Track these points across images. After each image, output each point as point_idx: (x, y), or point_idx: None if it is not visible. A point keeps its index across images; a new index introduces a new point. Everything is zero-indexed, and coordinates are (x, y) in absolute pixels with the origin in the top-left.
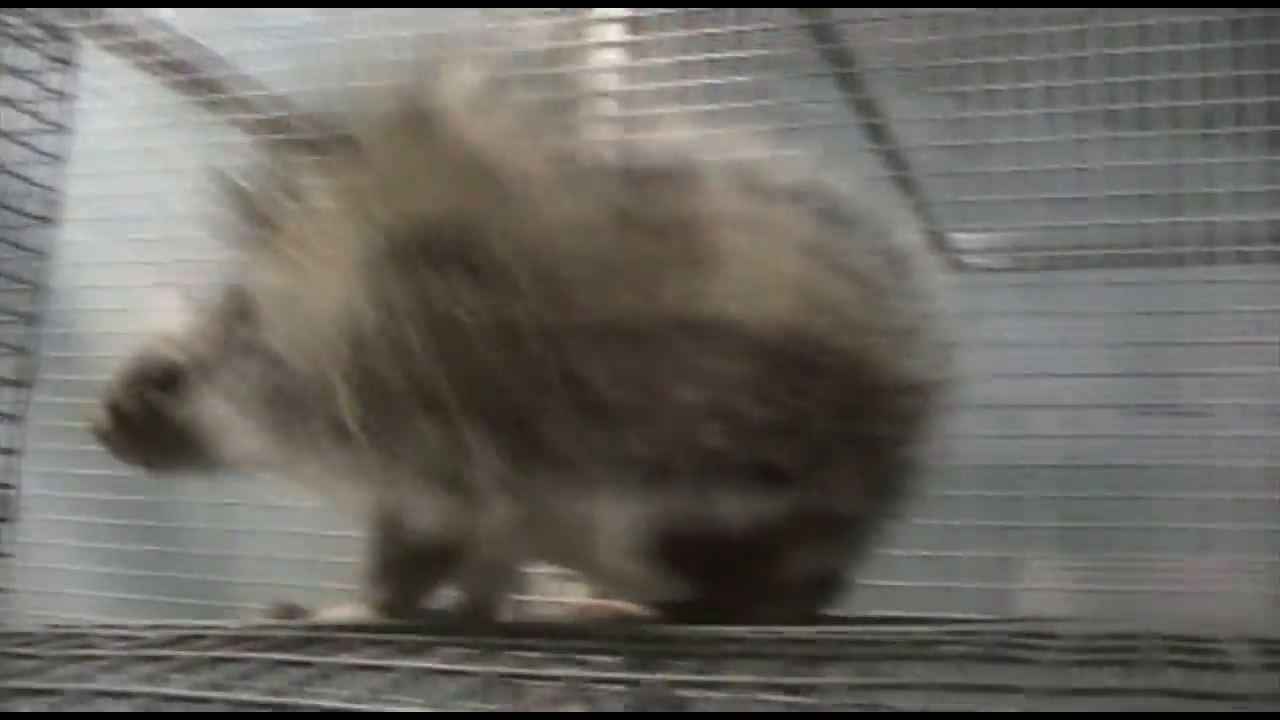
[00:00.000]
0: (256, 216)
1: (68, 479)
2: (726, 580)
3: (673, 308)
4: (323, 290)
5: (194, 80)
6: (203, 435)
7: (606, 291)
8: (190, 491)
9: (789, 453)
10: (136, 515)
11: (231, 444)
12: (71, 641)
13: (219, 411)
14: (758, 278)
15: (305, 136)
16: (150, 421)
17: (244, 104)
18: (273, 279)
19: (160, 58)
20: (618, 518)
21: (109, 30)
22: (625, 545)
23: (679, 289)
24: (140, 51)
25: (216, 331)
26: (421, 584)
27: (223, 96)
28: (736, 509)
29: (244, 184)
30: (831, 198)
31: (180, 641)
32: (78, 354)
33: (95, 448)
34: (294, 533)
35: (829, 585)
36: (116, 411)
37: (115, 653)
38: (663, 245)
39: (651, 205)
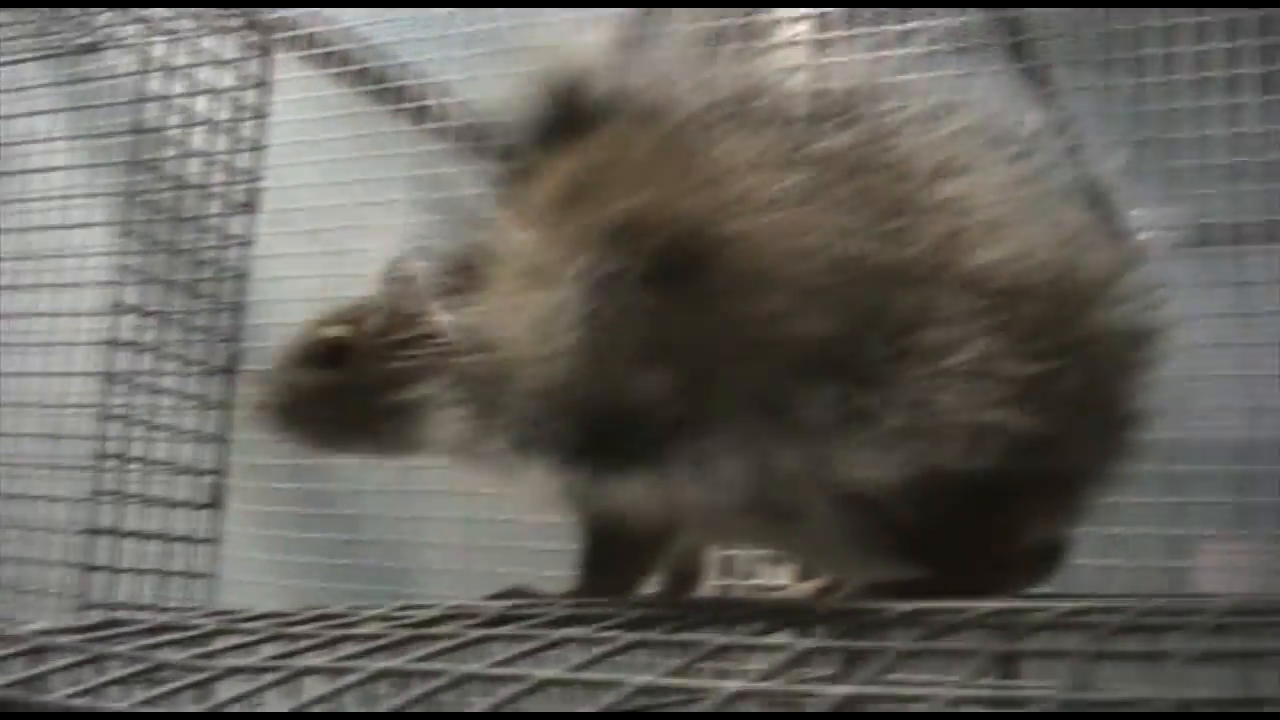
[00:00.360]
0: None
1: (258, 466)
2: (961, 555)
3: (918, 255)
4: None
5: (383, 87)
6: (370, 414)
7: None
8: (378, 479)
9: (1031, 406)
10: (326, 504)
11: (408, 425)
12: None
13: (389, 391)
14: (996, 227)
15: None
16: (311, 398)
17: (433, 110)
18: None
19: (350, 66)
20: (862, 485)
21: (297, 37)
22: (862, 519)
23: (927, 234)
24: (327, 58)
25: (396, 310)
26: (641, 568)
27: (411, 104)
28: (980, 472)
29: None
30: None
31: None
32: (266, 343)
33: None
34: (481, 520)
35: (1050, 558)
36: (278, 388)
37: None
38: (902, 189)
39: (876, 150)
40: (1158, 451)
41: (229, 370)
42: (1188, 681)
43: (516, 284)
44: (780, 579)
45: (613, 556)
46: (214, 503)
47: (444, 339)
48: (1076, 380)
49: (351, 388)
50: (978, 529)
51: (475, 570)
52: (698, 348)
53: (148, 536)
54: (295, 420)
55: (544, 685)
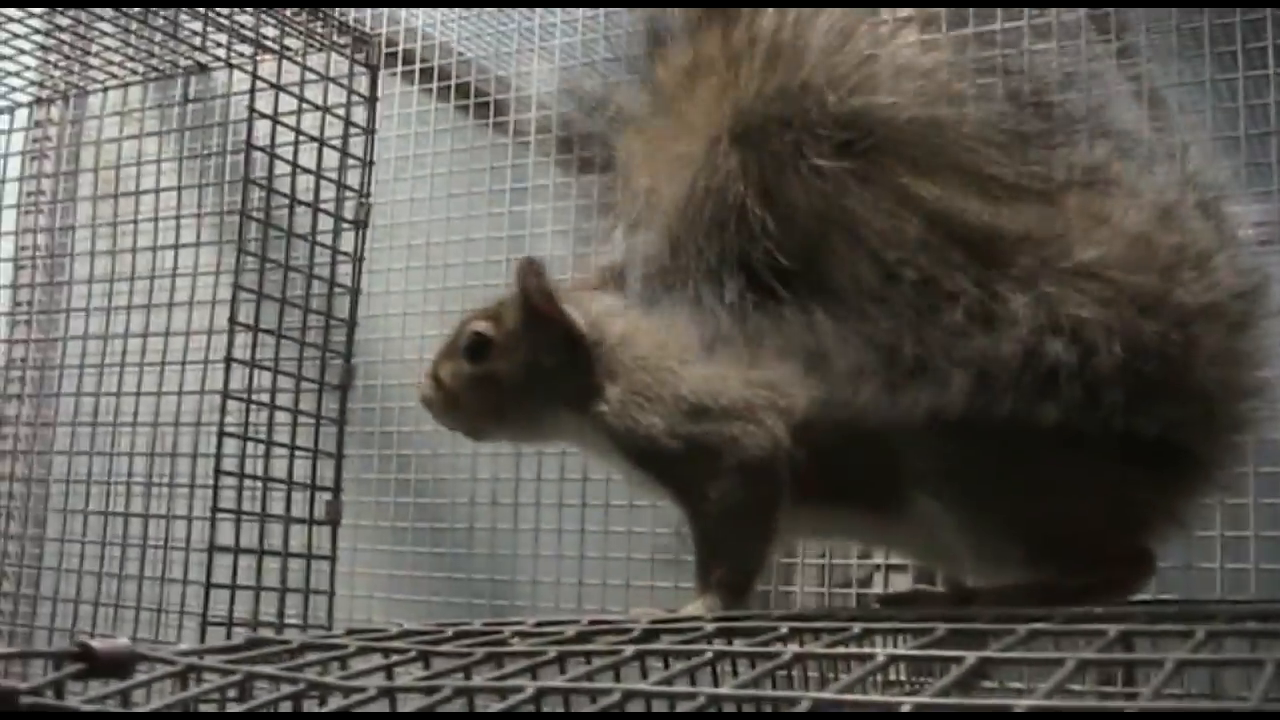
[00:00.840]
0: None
1: (368, 482)
2: (1077, 553)
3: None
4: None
5: (478, 100)
6: (508, 402)
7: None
8: (487, 491)
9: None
10: (436, 517)
11: (540, 413)
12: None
13: (524, 382)
14: (1119, 227)
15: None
16: (463, 388)
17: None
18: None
19: (450, 81)
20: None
21: (399, 53)
22: (971, 510)
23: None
24: (424, 74)
25: (530, 306)
26: (762, 560)
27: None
28: (1100, 461)
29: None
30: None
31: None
32: (371, 359)
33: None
34: (592, 531)
35: (1145, 565)
36: (437, 380)
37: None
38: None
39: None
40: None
41: (343, 386)
42: None
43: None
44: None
45: (735, 550)
46: (332, 519)
47: (576, 331)
48: (1192, 355)
49: (492, 379)
50: (1094, 525)
51: (585, 581)
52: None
53: (266, 553)
54: (448, 408)
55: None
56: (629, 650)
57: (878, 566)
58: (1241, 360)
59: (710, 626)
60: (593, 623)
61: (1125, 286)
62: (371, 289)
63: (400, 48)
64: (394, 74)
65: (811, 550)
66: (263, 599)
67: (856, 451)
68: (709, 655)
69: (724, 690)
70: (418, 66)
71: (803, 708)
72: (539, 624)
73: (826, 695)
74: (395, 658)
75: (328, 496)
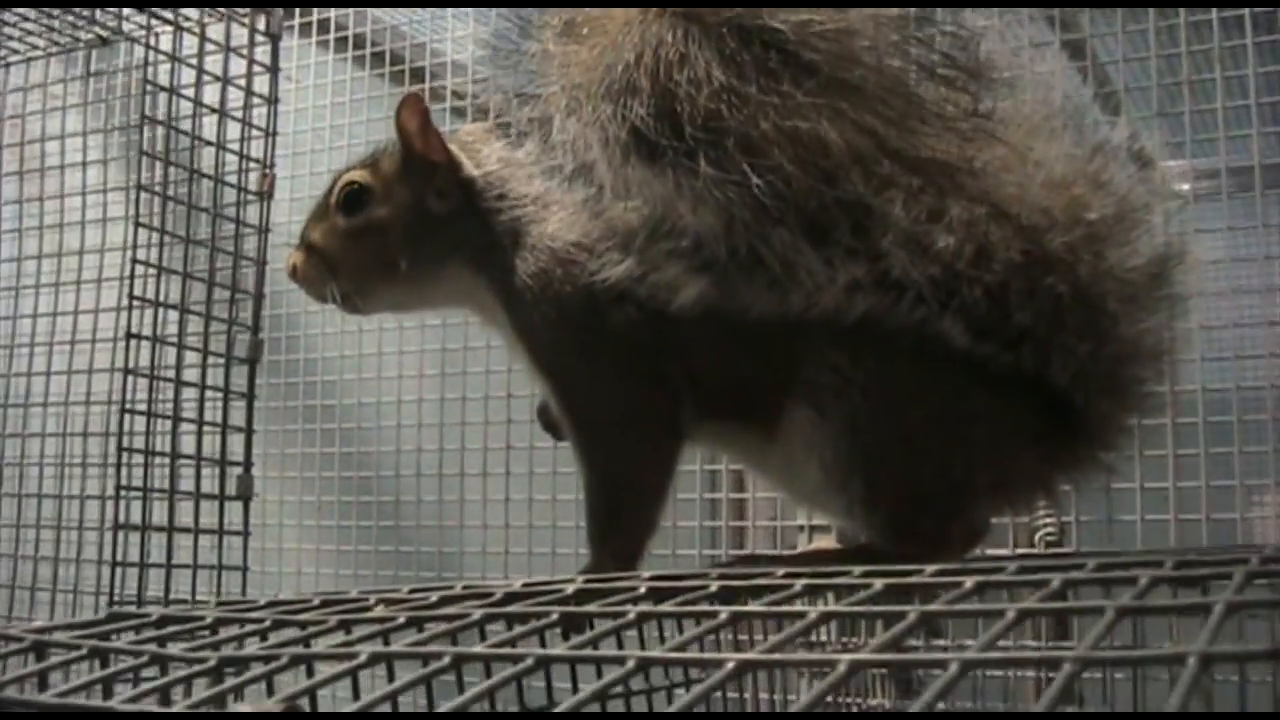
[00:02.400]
0: None
1: (293, 457)
2: (926, 519)
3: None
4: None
5: (394, 66)
6: (391, 255)
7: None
8: (416, 463)
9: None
10: (364, 490)
11: (426, 268)
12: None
13: (404, 226)
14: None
15: None
16: (340, 245)
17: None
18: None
19: (362, 49)
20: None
21: (305, 22)
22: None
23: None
24: (340, 41)
25: (412, 155)
26: (654, 528)
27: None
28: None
29: None
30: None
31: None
32: (292, 333)
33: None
34: (518, 499)
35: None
36: (308, 246)
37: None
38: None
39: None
40: (1197, 401)
41: (252, 360)
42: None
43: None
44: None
45: (625, 517)
46: (243, 495)
47: (465, 175)
48: (1093, 312)
49: (374, 228)
50: (958, 482)
51: (515, 551)
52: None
53: (176, 530)
54: (324, 272)
55: (550, 661)
56: (554, 613)
57: (801, 527)
58: (1148, 316)
59: (643, 588)
60: (525, 585)
61: (1035, 218)
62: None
63: (315, 16)
64: (309, 43)
65: (762, 514)
66: (177, 578)
67: (749, 358)
68: (631, 616)
69: (653, 653)
70: (333, 36)
71: (729, 669)
72: (412, 591)
73: (753, 655)
74: (251, 628)
75: (239, 472)
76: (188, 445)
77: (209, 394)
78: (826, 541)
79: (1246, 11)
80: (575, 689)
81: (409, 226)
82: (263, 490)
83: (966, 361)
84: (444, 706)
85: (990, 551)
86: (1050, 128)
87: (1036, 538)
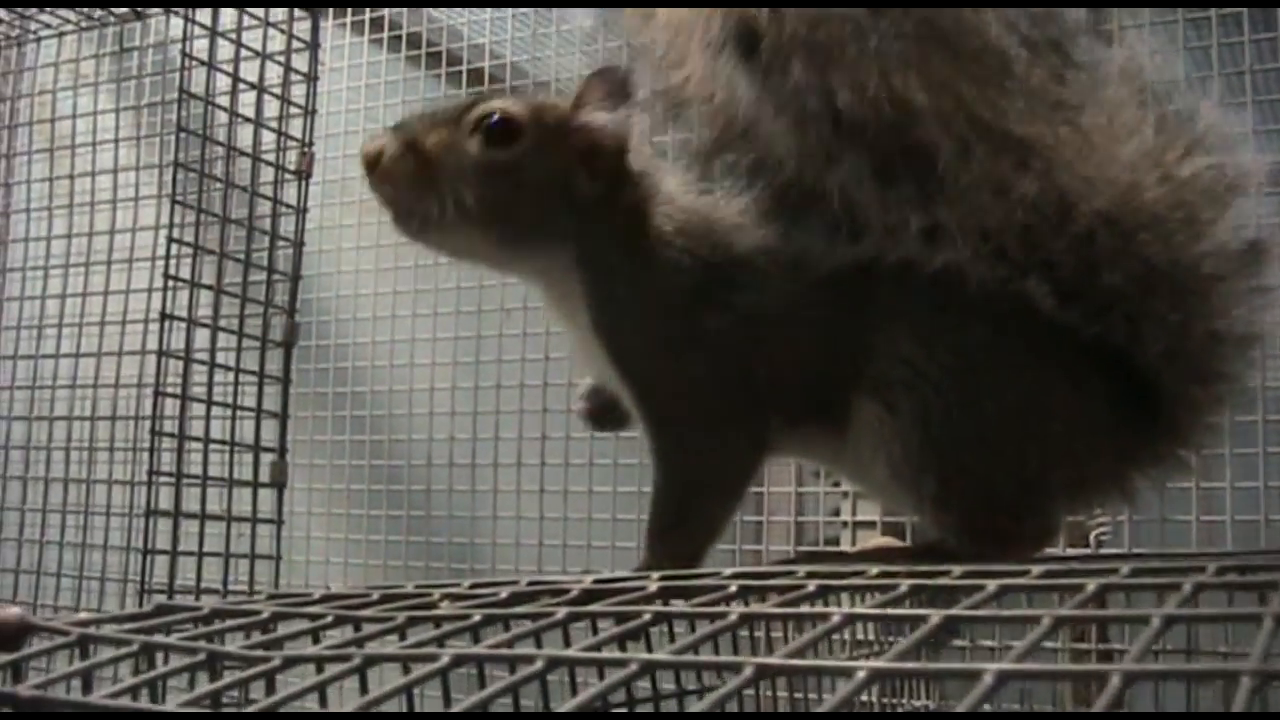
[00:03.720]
0: None
1: (322, 444)
2: (997, 518)
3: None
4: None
5: (430, 50)
6: (504, 207)
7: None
8: (447, 452)
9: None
10: (394, 479)
11: (524, 233)
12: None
13: (534, 191)
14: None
15: None
16: (454, 165)
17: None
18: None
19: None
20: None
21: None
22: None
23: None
24: (374, 24)
25: (574, 115)
26: (719, 533)
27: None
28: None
29: None
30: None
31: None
32: (323, 318)
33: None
34: (553, 490)
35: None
36: (412, 147)
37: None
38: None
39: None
40: (1257, 398)
41: (287, 343)
42: None
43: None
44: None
45: (692, 521)
46: (277, 481)
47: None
48: (1186, 280)
49: (504, 172)
50: (1031, 479)
51: (550, 544)
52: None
53: (209, 518)
54: (413, 177)
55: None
56: (560, 613)
57: (845, 524)
58: (1238, 302)
59: (733, 586)
60: (531, 584)
61: (1124, 175)
62: (323, 246)
63: (358, 16)
64: (343, 24)
65: (780, 509)
66: (208, 565)
67: (823, 352)
68: (647, 618)
69: (659, 656)
70: (367, 17)
71: (747, 674)
72: (474, 585)
73: (774, 660)
74: (313, 624)
75: (273, 458)
76: (220, 430)
77: (243, 378)
78: (877, 539)
79: (1245, 11)
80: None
81: (543, 191)
82: (292, 478)
83: (1049, 344)
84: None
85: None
86: (1136, 105)
87: (1091, 537)
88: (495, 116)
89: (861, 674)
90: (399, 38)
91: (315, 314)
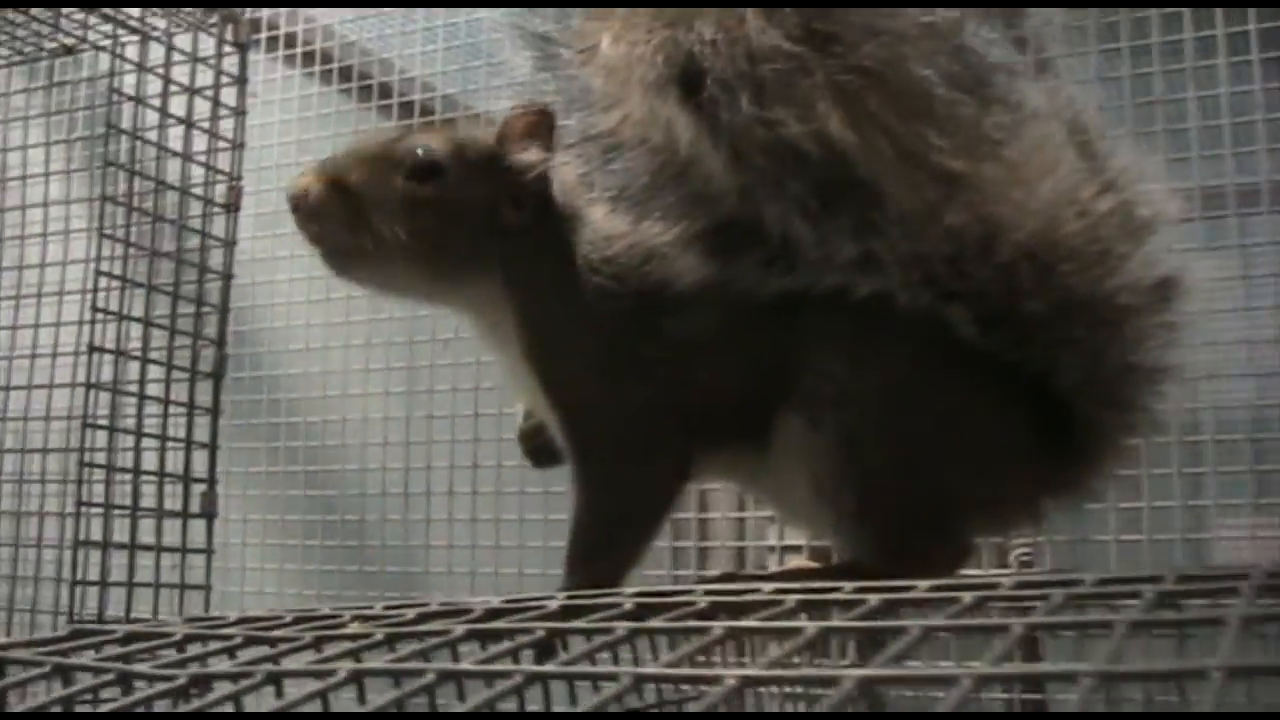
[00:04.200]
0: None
1: (256, 475)
2: (916, 536)
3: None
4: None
5: (361, 84)
6: (433, 241)
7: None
8: (381, 481)
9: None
10: (329, 509)
11: (452, 265)
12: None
13: (460, 223)
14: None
15: None
16: (379, 202)
17: (409, 104)
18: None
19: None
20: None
21: (274, 36)
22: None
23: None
24: (306, 57)
25: (494, 150)
26: (635, 560)
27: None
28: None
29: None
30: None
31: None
32: (257, 350)
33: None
34: (485, 519)
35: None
36: (336, 185)
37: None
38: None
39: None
40: (1175, 422)
41: (217, 375)
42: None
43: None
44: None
45: (614, 548)
46: (207, 512)
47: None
48: (1103, 310)
49: (428, 207)
50: (951, 500)
51: (483, 571)
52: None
53: (138, 548)
54: (342, 216)
55: (540, 679)
56: (459, 631)
57: (772, 548)
58: (1150, 336)
59: (629, 604)
60: (442, 604)
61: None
62: (256, 278)
63: (282, 31)
64: (275, 57)
65: (719, 535)
66: (138, 596)
67: (752, 371)
68: (621, 632)
69: (648, 669)
70: (299, 50)
71: (730, 685)
72: (386, 608)
73: (756, 672)
74: (225, 644)
75: (203, 488)
76: (150, 462)
77: (172, 409)
78: (799, 562)
79: (1219, 31)
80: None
81: (469, 223)
82: (226, 509)
83: (971, 369)
84: None
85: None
86: (1056, 141)
87: (1011, 558)
88: (419, 151)
89: (849, 683)
90: (331, 71)
91: (249, 346)
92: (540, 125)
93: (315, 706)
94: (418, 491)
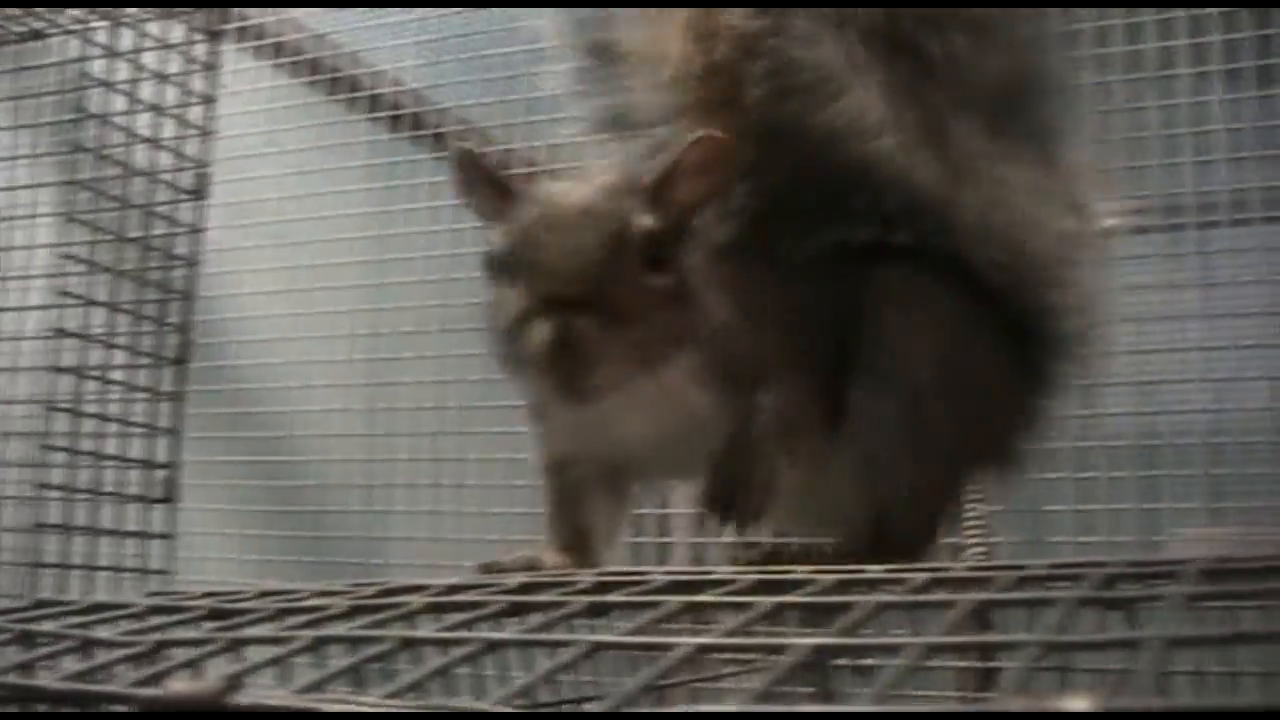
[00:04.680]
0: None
1: (219, 464)
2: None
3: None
4: None
5: (331, 77)
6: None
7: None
8: (341, 471)
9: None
10: (290, 498)
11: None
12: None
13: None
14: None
15: None
16: (644, 308)
17: (379, 99)
18: None
19: (297, 57)
20: None
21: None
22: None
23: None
24: (276, 50)
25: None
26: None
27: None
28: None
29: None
30: None
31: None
32: (219, 339)
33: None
34: (446, 510)
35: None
36: (607, 305)
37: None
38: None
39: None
40: (1131, 428)
41: (181, 361)
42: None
43: None
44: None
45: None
46: (168, 497)
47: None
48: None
49: (668, 297)
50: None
51: (442, 564)
52: None
53: (99, 533)
54: (629, 357)
55: (496, 646)
56: (417, 603)
57: (731, 545)
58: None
59: (589, 581)
60: (404, 585)
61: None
62: (222, 267)
63: (252, 24)
64: (246, 49)
65: (684, 531)
66: (98, 581)
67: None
68: (581, 605)
69: (605, 637)
70: (270, 41)
71: (688, 650)
72: (347, 585)
73: (711, 640)
74: (187, 615)
75: (165, 473)
76: (114, 447)
77: (136, 394)
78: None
79: (1182, 42)
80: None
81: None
82: (188, 496)
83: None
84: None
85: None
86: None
87: (963, 556)
88: (635, 234)
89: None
90: (301, 63)
91: (214, 335)
92: (721, 156)
93: (276, 672)
94: (379, 482)
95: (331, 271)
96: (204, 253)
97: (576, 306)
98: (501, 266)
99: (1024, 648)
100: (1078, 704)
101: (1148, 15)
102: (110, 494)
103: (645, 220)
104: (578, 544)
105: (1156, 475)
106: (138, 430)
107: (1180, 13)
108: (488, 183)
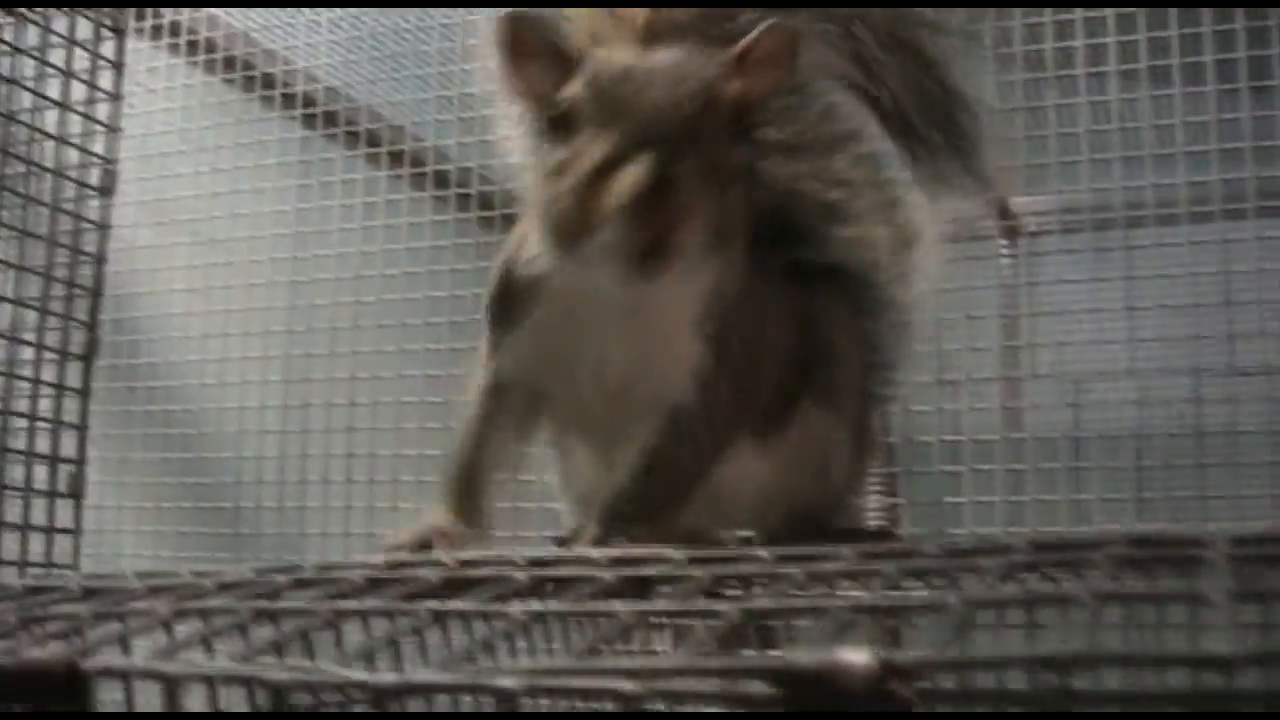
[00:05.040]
0: None
1: (131, 461)
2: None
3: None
4: None
5: (245, 74)
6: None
7: None
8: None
9: None
10: (201, 472)
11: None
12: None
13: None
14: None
15: None
16: (727, 174)
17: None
18: None
19: (212, 54)
20: None
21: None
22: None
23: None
24: (191, 46)
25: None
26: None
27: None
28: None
29: None
30: None
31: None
32: (136, 336)
33: None
34: (359, 506)
35: None
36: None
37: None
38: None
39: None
40: (1057, 440)
41: (88, 357)
42: None
43: None
44: None
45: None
46: (75, 493)
47: None
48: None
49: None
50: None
51: (356, 532)
52: None
53: (3, 526)
54: (708, 207)
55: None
56: (356, 577)
57: None
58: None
59: (520, 559)
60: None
61: None
62: (139, 265)
63: (167, 19)
64: (159, 46)
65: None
66: (3, 575)
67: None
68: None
69: (448, 605)
70: (184, 39)
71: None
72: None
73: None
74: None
75: (71, 469)
76: (20, 442)
77: (42, 390)
78: None
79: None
80: None
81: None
82: (101, 495)
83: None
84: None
85: None
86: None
87: None
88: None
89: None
90: (215, 60)
91: (128, 333)
92: (788, 48)
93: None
94: (293, 480)
95: (248, 268)
96: (113, 250)
97: (674, 150)
98: (578, 115)
99: (839, 612)
100: (857, 656)
101: (1076, 14)
102: (16, 489)
103: (735, 86)
104: (471, 496)
105: (1085, 467)
106: (44, 426)
107: (1108, 12)
108: (545, 48)
